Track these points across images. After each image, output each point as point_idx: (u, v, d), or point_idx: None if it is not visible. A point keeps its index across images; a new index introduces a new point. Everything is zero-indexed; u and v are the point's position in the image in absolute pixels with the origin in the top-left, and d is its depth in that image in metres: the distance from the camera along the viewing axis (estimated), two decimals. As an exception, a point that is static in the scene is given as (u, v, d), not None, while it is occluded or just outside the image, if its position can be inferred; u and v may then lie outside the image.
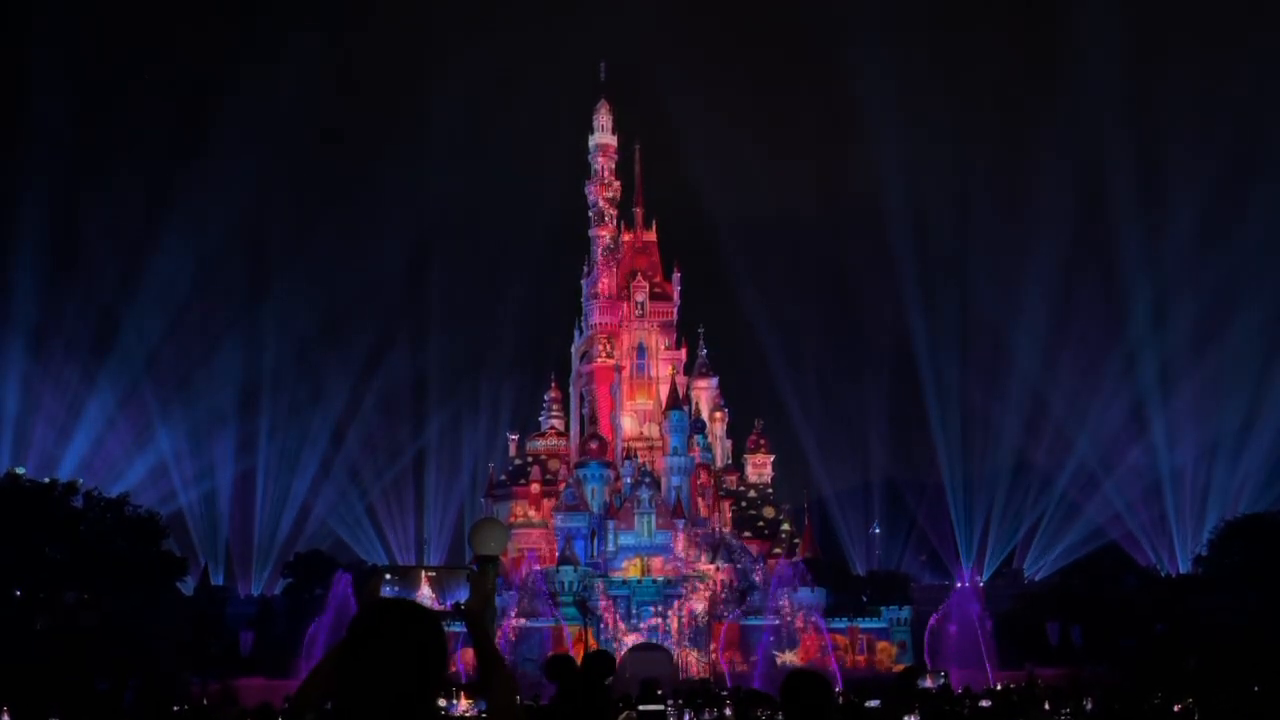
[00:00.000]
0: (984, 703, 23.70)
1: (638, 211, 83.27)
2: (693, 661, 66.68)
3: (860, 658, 66.17)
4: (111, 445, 76.01)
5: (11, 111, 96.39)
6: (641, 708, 14.04)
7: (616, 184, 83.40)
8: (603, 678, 7.97)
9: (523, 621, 66.13)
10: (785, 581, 69.80)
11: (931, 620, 63.21)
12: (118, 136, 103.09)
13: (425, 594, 67.94)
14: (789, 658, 64.28)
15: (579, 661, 8.36)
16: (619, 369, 78.81)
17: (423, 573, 74.87)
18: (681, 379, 78.44)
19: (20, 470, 53.41)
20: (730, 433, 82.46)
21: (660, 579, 68.61)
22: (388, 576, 70.42)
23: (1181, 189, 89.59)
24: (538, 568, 70.81)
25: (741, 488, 79.19)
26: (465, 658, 51.91)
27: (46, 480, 51.50)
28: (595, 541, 71.54)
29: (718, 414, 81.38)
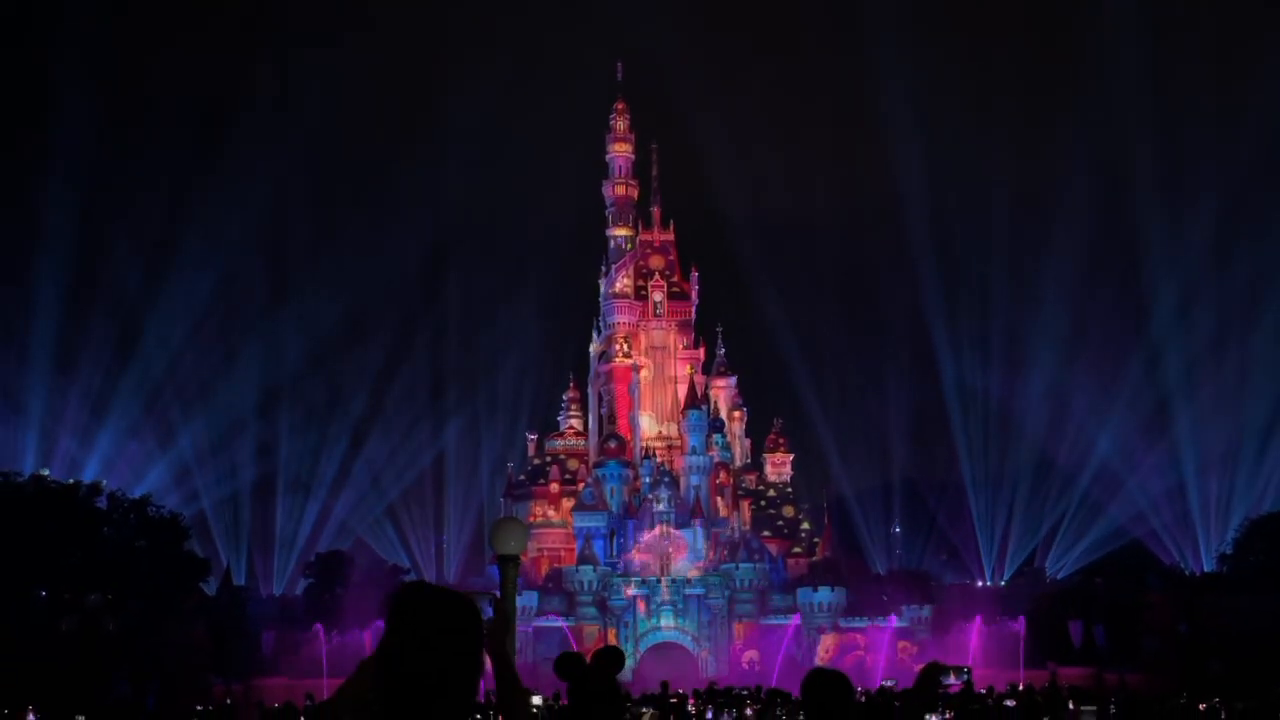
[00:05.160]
0: (1009, 702, 23.56)
1: (655, 211, 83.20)
2: (712, 661, 66.61)
3: (881, 657, 65.86)
4: (134, 447, 76.55)
5: (35, 119, 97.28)
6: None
7: (634, 184, 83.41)
8: (613, 672, 7.93)
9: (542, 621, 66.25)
10: (805, 581, 69.60)
11: (956, 620, 62.90)
12: (140, 142, 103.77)
13: None
14: (811, 656, 64.09)
15: (588, 659, 8.33)
16: (637, 368, 78.81)
17: None
18: (700, 378, 78.34)
19: (45, 472, 53.90)
20: (749, 432, 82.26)
21: (679, 578, 68.57)
22: None
23: (1205, 185, 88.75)
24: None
25: (760, 487, 79.01)
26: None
27: (70, 481, 51.94)
28: (614, 541, 71.57)
29: (736, 413, 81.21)
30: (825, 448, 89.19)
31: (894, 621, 66.11)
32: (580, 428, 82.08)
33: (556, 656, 8.45)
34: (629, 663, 55.92)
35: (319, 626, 54.75)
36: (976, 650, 57.32)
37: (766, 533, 74.45)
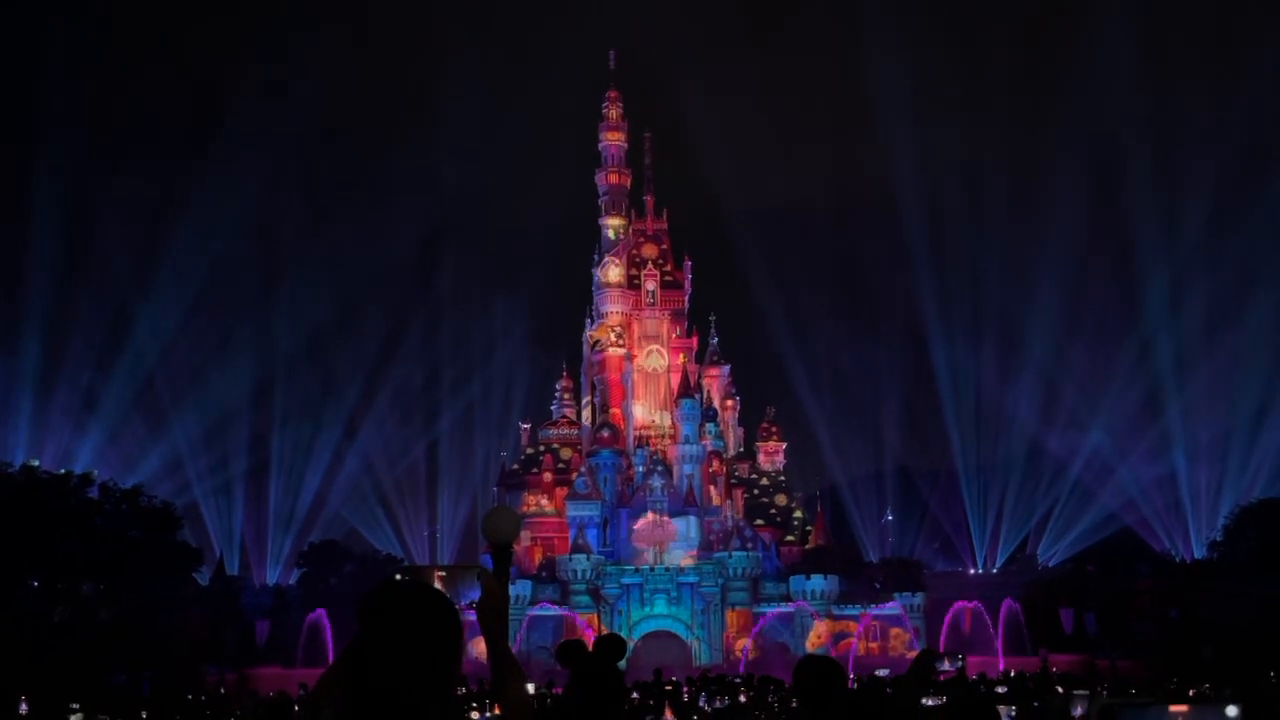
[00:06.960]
0: (1000, 689, 23.66)
1: (648, 200, 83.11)
2: (705, 649, 66.81)
3: (874, 645, 66.17)
4: (126, 437, 76.45)
5: (24, 107, 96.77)
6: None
7: (627, 172, 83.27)
8: (615, 660, 7.93)
9: (535, 610, 66.40)
10: (798, 569, 69.81)
11: (948, 607, 63.15)
12: (130, 130, 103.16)
13: None
14: (802, 644, 64.34)
15: (590, 646, 8.33)
16: (630, 357, 78.83)
17: (435, 571, 75.04)
18: (693, 367, 78.40)
19: (36, 462, 53.71)
20: (742, 421, 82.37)
21: (673, 567, 68.72)
22: (397, 577, 70.65)
23: (1198, 173, 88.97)
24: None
25: (753, 475, 79.13)
26: (477, 648, 52.13)
27: (62, 472, 51.75)
28: (607, 530, 71.69)
29: (729, 402, 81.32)
30: (818, 436, 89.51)
31: (887, 609, 66.40)
32: (574, 417, 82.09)
33: (559, 643, 8.45)
34: (623, 651, 55.99)
35: (312, 616, 54.81)
36: (969, 637, 57.62)
37: (759, 521, 74.61)
